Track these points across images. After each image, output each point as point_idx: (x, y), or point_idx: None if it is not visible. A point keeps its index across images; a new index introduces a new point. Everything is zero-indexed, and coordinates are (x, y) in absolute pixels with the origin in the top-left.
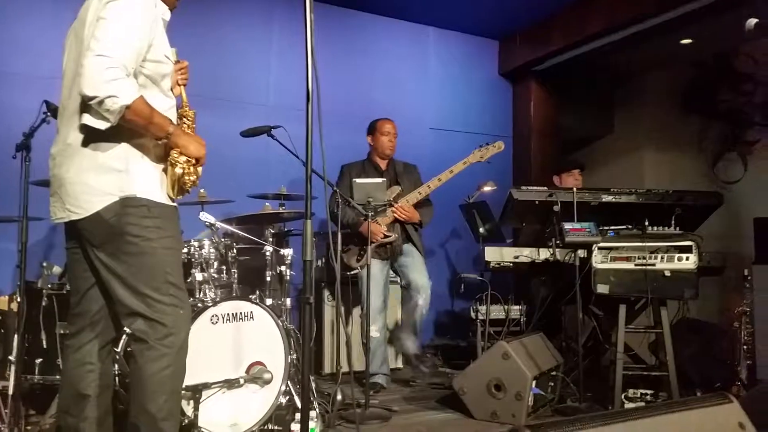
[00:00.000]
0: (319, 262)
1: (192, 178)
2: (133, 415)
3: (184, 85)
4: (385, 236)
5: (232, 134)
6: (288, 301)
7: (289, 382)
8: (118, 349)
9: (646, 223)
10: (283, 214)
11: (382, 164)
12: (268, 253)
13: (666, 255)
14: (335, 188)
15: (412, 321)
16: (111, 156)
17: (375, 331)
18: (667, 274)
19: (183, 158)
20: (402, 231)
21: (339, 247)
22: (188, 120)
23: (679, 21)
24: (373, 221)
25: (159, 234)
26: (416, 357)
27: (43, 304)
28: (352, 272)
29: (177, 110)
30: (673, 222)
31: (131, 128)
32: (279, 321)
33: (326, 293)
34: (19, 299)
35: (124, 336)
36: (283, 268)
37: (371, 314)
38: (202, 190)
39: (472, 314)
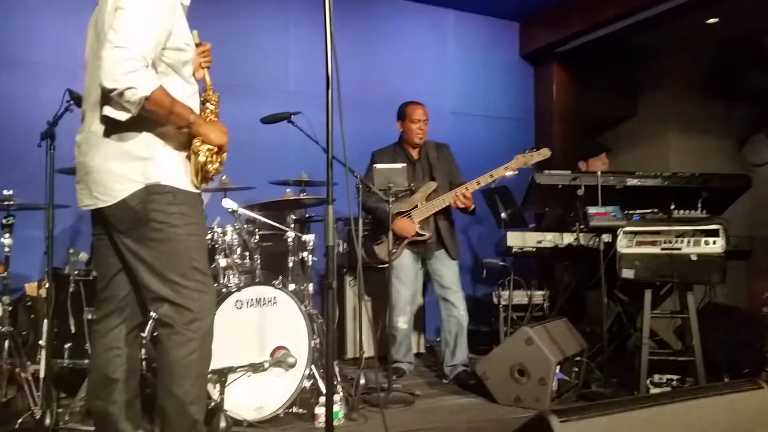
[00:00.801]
0: (341, 248)
1: (215, 166)
2: (161, 398)
3: (207, 68)
4: (419, 234)
5: (252, 121)
6: (310, 286)
7: (312, 366)
8: (145, 334)
9: (672, 207)
10: (305, 200)
11: (414, 153)
12: (290, 239)
13: (692, 239)
14: (357, 175)
15: (454, 336)
16: (135, 144)
17: (403, 323)
18: (694, 258)
19: (205, 147)
20: (434, 231)
21: (360, 232)
22: (212, 104)
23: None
24: (408, 218)
25: (184, 220)
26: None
27: (71, 290)
28: (382, 265)
29: (201, 94)
30: (699, 205)
31: (152, 118)
32: (302, 306)
33: (348, 278)
34: (47, 285)
35: (150, 321)
36: (305, 253)
37: (401, 306)
38: (224, 177)
39: (495, 299)
